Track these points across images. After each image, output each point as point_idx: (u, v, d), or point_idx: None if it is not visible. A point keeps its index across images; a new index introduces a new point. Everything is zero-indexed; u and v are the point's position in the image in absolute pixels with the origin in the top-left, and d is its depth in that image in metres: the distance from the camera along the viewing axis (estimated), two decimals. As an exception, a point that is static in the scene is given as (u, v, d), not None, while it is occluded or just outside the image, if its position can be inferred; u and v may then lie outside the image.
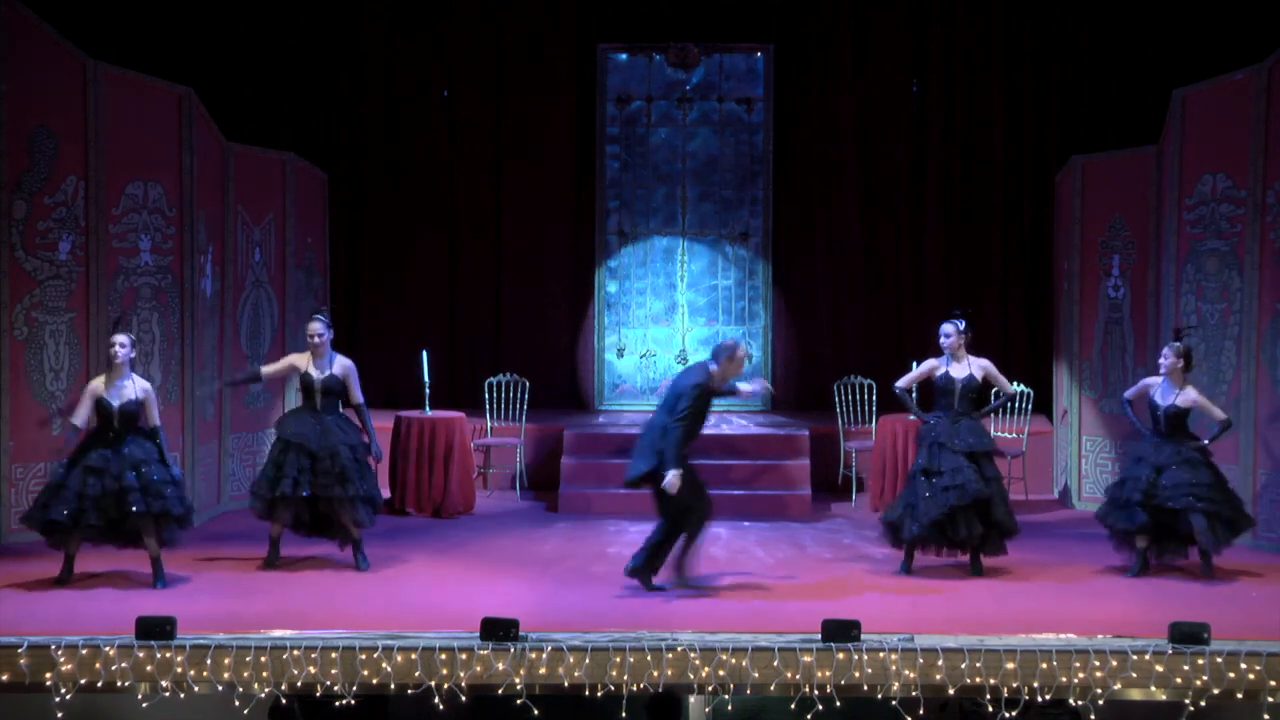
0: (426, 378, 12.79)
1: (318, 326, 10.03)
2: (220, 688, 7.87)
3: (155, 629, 7.86)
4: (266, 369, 10.54)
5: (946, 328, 10.02)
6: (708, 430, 13.54)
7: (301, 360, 10.10)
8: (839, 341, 15.39)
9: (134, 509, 9.11)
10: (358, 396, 10.09)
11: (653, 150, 15.52)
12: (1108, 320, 12.48)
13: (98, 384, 9.36)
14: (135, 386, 9.36)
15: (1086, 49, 15.06)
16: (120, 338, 9.40)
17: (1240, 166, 10.99)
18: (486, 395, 13.50)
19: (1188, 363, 9.84)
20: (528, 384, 13.46)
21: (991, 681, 7.84)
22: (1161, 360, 9.85)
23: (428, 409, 12.71)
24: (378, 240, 15.43)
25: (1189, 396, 9.75)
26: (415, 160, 15.39)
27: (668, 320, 15.58)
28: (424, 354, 12.93)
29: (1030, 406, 13.13)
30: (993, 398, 10.24)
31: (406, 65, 15.31)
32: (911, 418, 11.20)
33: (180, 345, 11.45)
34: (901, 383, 10.18)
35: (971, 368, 9.96)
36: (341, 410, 10.09)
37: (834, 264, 15.42)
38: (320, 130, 15.20)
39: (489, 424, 13.43)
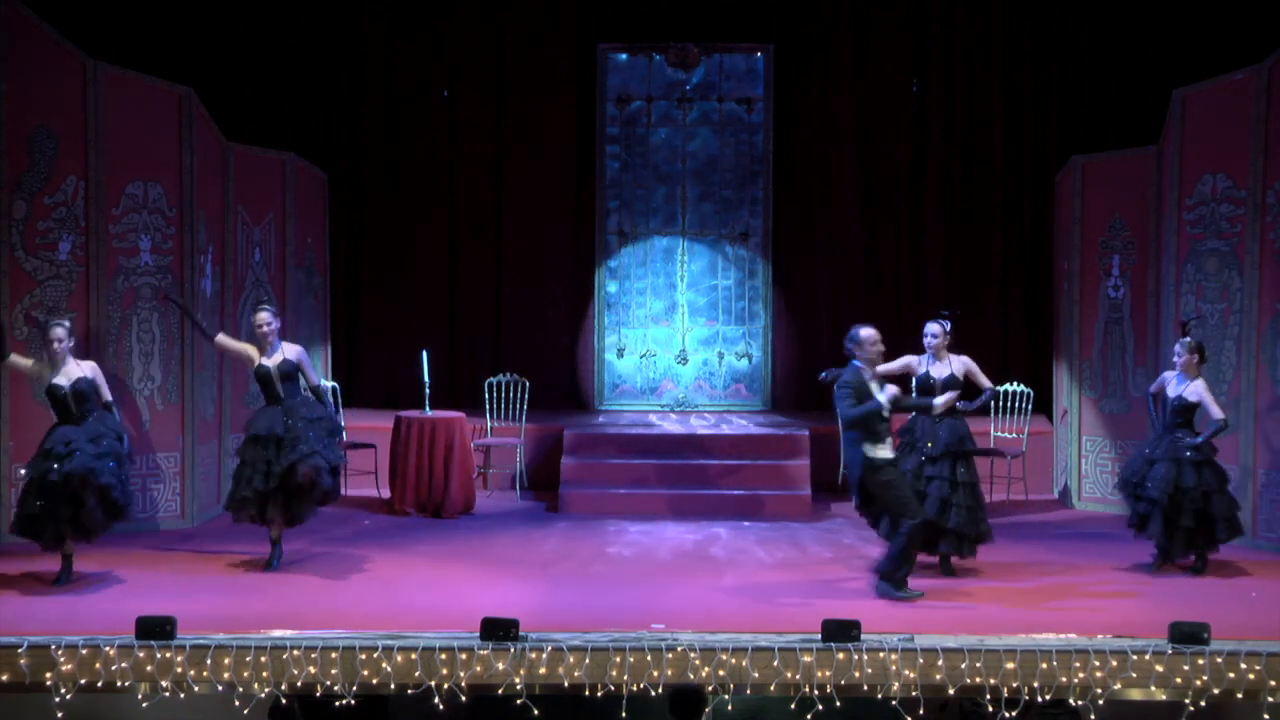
0: (426, 378, 12.79)
1: (266, 315, 9.91)
2: (220, 688, 7.87)
3: (155, 629, 7.87)
4: (224, 338, 10.32)
5: (933, 327, 9.94)
6: (706, 430, 13.66)
7: (254, 352, 9.96)
8: (839, 341, 15.30)
9: (78, 469, 9.12)
10: (315, 379, 10.09)
11: (653, 150, 15.53)
12: (1108, 320, 12.48)
13: (41, 368, 9.43)
14: (82, 366, 9.41)
15: (1086, 49, 15.06)
16: (59, 331, 9.38)
17: (1240, 166, 11.00)
18: (486, 395, 13.50)
19: (1201, 357, 9.89)
20: (528, 384, 13.45)
21: (991, 681, 7.84)
22: (1175, 358, 9.92)
23: (428, 409, 12.71)
24: (378, 240, 15.43)
25: (1195, 390, 9.78)
26: (415, 160, 15.40)
27: (668, 320, 15.58)
28: (424, 354, 12.94)
29: (1030, 406, 13.13)
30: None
31: (406, 65, 15.31)
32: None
33: (180, 345, 11.45)
34: (880, 368, 9.99)
35: (952, 367, 9.89)
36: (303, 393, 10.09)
37: (834, 264, 15.42)
38: (320, 130, 15.21)
39: (489, 424, 13.43)
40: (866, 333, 9.24)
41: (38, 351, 10.05)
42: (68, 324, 9.54)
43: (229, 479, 12.10)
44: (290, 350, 9.97)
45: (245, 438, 9.91)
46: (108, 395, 9.48)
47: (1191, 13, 14.46)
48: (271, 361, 9.87)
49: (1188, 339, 9.93)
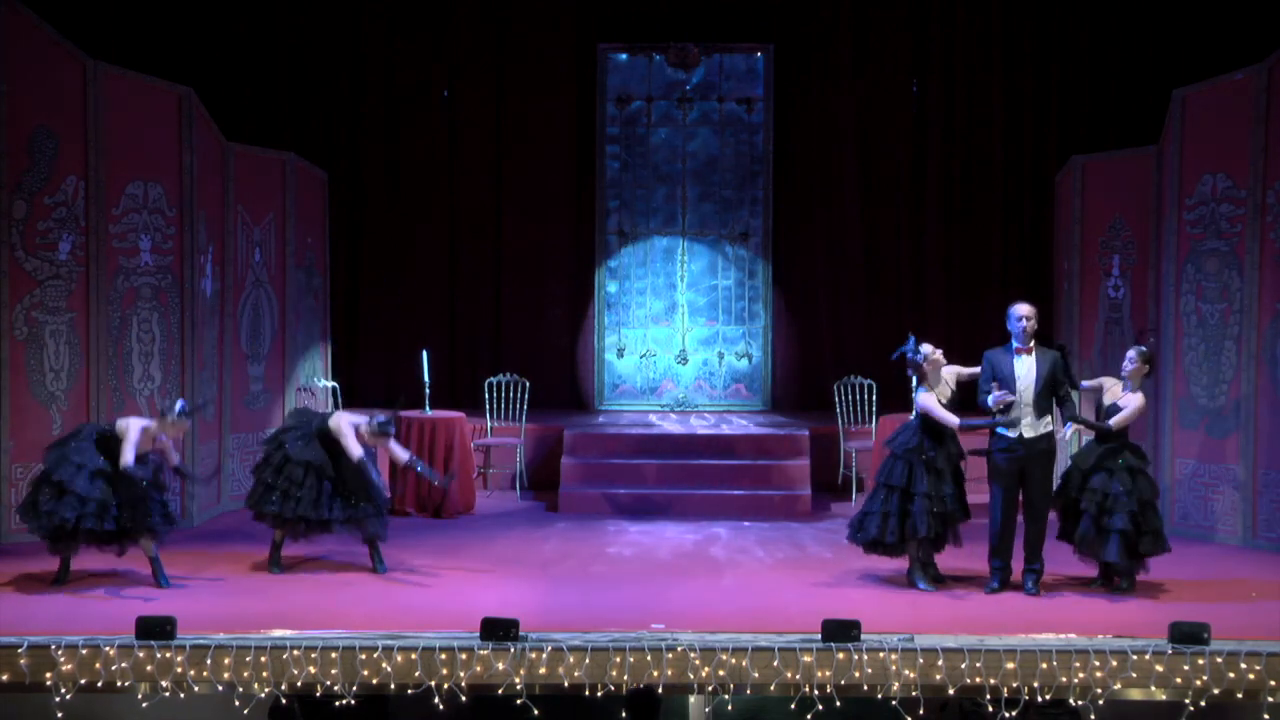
0: (426, 378, 12.80)
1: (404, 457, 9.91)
2: (220, 688, 7.87)
3: (155, 629, 7.87)
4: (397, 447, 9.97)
5: (930, 346, 9.62)
6: (706, 430, 13.67)
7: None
8: (839, 341, 15.40)
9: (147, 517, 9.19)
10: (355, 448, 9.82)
11: (653, 150, 15.53)
12: (1108, 320, 12.48)
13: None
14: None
15: (1086, 49, 15.06)
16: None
17: (1240, 166, 10.99)
18: (486, 395, 13.50)
19: (1152, 367, 9.61)
20: (528, 384, 13.46)
21: (991, 681, 7.84)
22: (1126, 364, 9.55)
23: (428, 409, 12.72)
24: (378, 240, 15.43)
25: (1130, 401, 9.44)
26: (415, 160, 15.40)
27: (668, 320, 15.58)
28: (424, 354, 12.94)
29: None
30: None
31: (406, 65, 15.31)
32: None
33: (180, 345, 11.45)
34: (958, 420, 9.45)
35: (946, 380, 9.64)
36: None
37: (834, 264, 15.43)
38: (320, 130, 15.20)
39: (489, 424, 13.43)
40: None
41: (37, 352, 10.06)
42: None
43: (229, 479, 12.17)
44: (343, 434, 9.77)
45: (287, 458, 9.76)
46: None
47: (1191, 13, 14.46)
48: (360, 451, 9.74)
49: (1144, 348, 9.61)
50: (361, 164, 15.39)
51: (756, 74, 15.40)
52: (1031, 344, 9.39)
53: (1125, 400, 9.49)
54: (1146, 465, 9.56)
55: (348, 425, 9.69)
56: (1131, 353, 9.64)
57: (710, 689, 7.96)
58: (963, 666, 7.85)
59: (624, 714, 8.34)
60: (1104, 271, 12.48)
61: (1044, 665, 7.82)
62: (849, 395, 13.22)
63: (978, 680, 7.84)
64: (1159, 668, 7.82)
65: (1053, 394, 9.36)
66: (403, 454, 9.90)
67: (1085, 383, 10.07)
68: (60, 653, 7.80)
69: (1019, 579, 9.43)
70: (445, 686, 7.84)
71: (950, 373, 9.68)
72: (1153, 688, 7.86)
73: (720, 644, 7.93)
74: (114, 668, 7.80)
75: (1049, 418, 9.41)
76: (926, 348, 9.60)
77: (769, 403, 15.44)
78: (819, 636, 7.96)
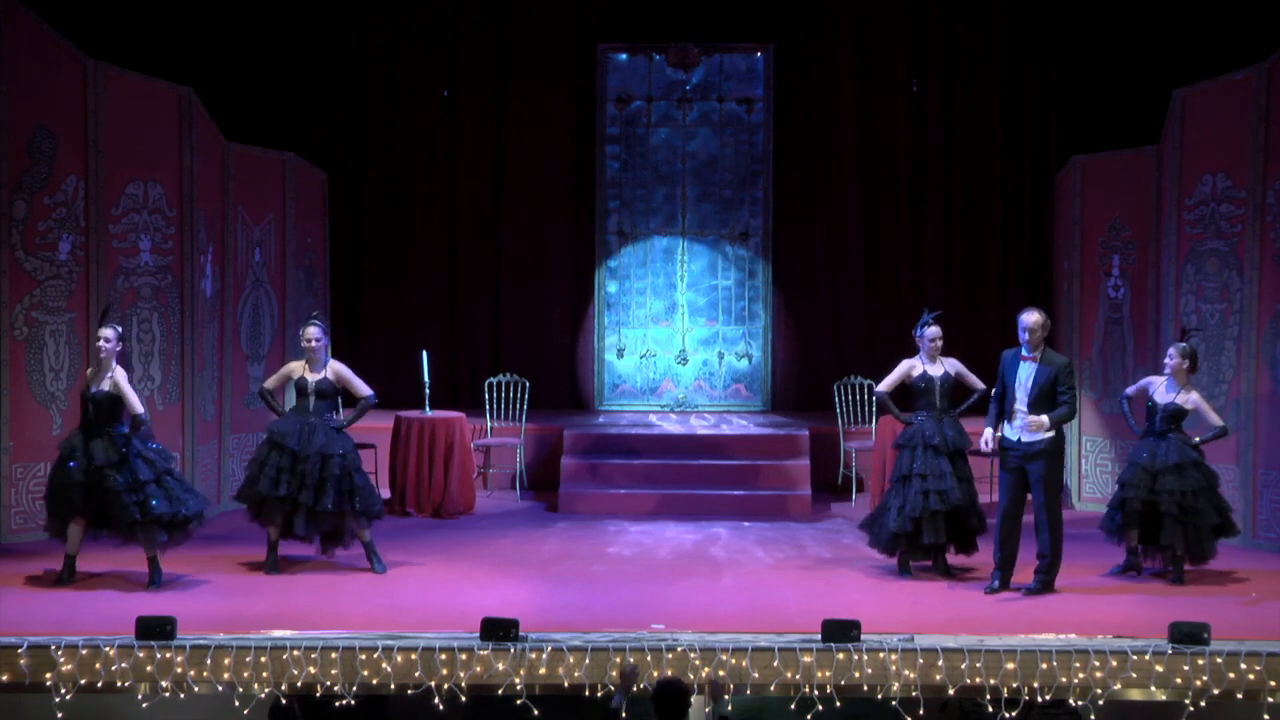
0: (426, 378, 12.79)
1: (314, 332, 10.00)
2: (220, 688, 7.88)
3: (155, 629, 7.87)
4: (269, 384, 10.30)
5: (936, 330, 9.97)
6: (706, 430, 13.67)
7: (297, 367, 10.09)
8: (839, 341, 15.40)
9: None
10: (364, 390, 10.06)
11: (653, 150, 15.52)
12: (1108, 320, 12.49)
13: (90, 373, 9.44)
14: (114, 377, 9.34)
15: (1086, 49, 15.07)
16: (106, 331, 9.39)
17: (1240, 166, 11.00)
18: (486, 395, 13.50)
19: (1193, 364, 9.75)
20: (528, 384, 13.46)
21: (991, 681, 7.84)
22: (1167, 360, 9.78)
23: (428, 409, 12.71)
24: (378, 240, 15.43)
25: (1191, 399, 9.67)
26: (415, 160, 15.40)
27: (668, 320, 15.58)
28: (424, 354, 12.94)
29: (1030, 406, 13.11)
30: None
31: (406, 65, 15.31)
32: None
33: (180, 345, 11.46)
34: (884, 386, 10.08)
35: (945, 366, 9.98)
36: (340, 414, 10.12)
37: (834, 264, 15.43)
38: (320, 130, 15.20)
39: (489, 424, 13.43)
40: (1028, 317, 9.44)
41: (37, 352, 10.06)
42: (118, 329, 9.48)
43: (229, 479, 12.17)
44: (331, 370, 10.02)
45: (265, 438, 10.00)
46: (137, 407, 9.33)
47: (1191, 13, 14.46)
48: (312, 377, 9.95)
49: (1184, 344, 9.75)
50: (361, 164, 15.39)
51: (756, 74, 15.40)
52: (1038, 353, 9.40)
53: (1186, 401, 9.62)
54: (1202, 456, 9.69)
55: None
56: (1172, 350, 9.79)
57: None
58: (963, 666, 7.85)
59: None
60: (1104, 271, 12.49)
61: (1044, 665, 7.83)
62: (849, 395, 13.23)
63: (978, 680, 7.84)
64: (1159, 668, 7.83)
65: (1053, 400, 9.36)
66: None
67: (1128, 389, 10.27)
68: (60, 653, 7.80)
69: (1020, 579, 9.43)
70: (445, 687, 7.85)
71: (953, 365, 10.02)
72: (1153, 688, 7.86)
73: (720, 644, 7.93)
74: (114, 668, 7.80)
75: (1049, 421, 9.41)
76: (932, 330, 9.95)
77: (769, 403, 15.44)
78: (819, 636, 7.97)
